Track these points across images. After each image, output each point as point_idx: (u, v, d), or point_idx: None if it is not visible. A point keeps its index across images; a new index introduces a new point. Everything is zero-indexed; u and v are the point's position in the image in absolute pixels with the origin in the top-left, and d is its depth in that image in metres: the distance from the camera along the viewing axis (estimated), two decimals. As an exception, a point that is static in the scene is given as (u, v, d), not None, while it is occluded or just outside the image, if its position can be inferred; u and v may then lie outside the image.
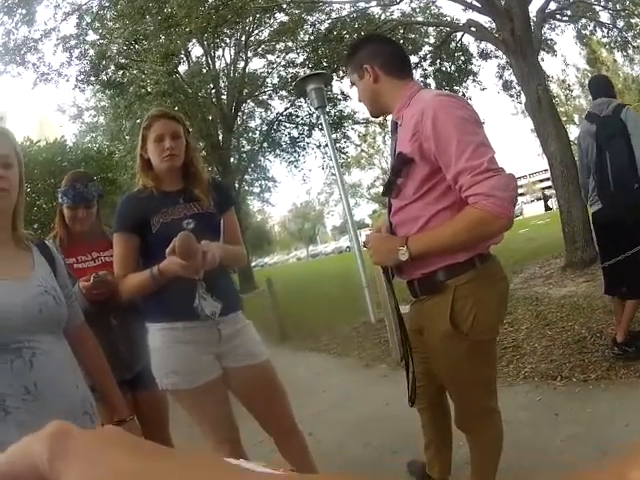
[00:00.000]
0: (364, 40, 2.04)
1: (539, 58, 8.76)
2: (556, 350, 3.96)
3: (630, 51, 14.29)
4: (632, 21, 13.06)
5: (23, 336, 1.27)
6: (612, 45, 14.77)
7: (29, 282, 1.37)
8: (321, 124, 10.92)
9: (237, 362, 2.02)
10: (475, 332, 1.72)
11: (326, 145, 16.87)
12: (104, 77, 14.30)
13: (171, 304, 1.91)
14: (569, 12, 13.17)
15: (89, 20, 13.35)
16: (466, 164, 1.54)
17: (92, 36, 13.88)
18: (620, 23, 13.40)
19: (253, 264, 39.93)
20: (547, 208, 33.97)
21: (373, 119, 16.96)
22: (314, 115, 17.47)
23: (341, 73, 12.56)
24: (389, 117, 1.97)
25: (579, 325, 4.37)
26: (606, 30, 14.02)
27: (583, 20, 13.93)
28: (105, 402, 1.70)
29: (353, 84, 1.99)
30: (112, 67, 14.15)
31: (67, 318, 1.46)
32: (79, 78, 14.05)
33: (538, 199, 43.60)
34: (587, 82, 4.15)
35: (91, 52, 13.72)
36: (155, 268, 1.83)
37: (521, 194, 66.99)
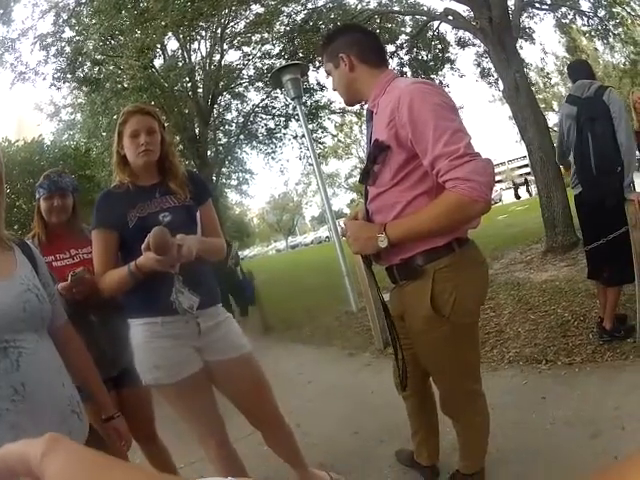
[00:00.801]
0: (339, 29, 2.04)
1: (517, 46, 8.80)
2: (540, 334, 3.99)
3: (611, 39, 14.34)
4: (614, 10, 13.13)
5: (9, 335, 1.26)
6: (592, 34, 14.80)
7: (12, 281, 1.35)
8: (297, 115, 10.88)
9: (217, 355, 2.02)
10: (456, 315, 1.73)
11: (303, 136, 16.81)
12: (80, 74, 14.13)
13: (150, 299, 1.91)
14: (548, 0, 13.23)
15: (66, 17, 13.16)
16: (443, 149, 1.55)
17: (69, 33, 13.72)
18: (601, 12, 13.46)
19: (233, 257, 39.71)
20: (517, 197, 33.74)
21: (349, 109, 17.01)
22: (290, 106, 17.36)
23: (317, 63, 12.51)
24: (365, 106, 1.96)
25: (562, 309, 4.40)
26: (586, 19, 14.06)
27: (563, 9, 13.97)
28: (91, 400, 1.68)
29: (329, 73, 1.98)
30: (88, 64, 13.97)
31: (51, 316, 1.45)
32: (55, 76, 13.89)
33: (509, 188, 43.70)
34: (566, 67, 4.12)
35: (67, 49, 13.56)
36: (132, 264, 1.83)
37: (499, 181, 67.62)
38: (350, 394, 3.84)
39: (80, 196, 2.68)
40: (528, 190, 32.96)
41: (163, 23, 10.87)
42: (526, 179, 35.99)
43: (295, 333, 6.88)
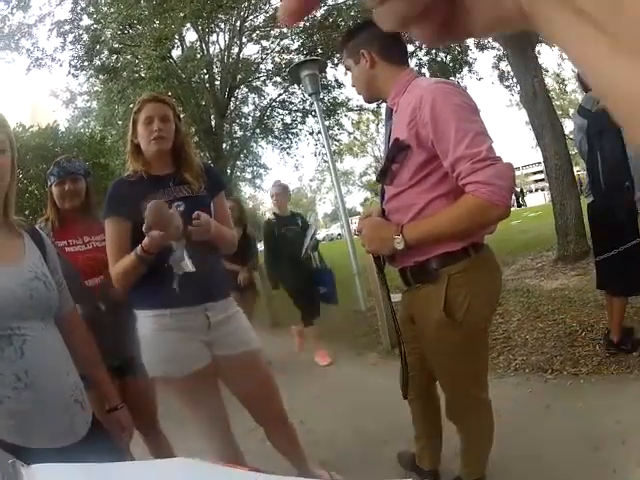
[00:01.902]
0: (361, 25, 1.99)
1: (536, 51, 8.70)
2: (547, 342, 3.96)
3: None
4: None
5: (14, 322, 1.26)
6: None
7: (20, 268, 1.35)
8: (314, 111, 10.83)
9: (227, 350, 2.00)
10: (469, 321, 1.71)
11: (319, 132, 16.74)
12: (98, 62, 14.18)
13: (158, 290, 1.89)
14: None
15: (84, 5, 13.20)
16: (465, 151, 1.53)
17: (86, 21, 13.76)
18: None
19: (245, 250, 39.81)
20: (519, 205, 32.70)
21: (367, 106, 16.94)
22: (307, 102, 17.33)
23: (336, 60, 12.48)
24: (383, 105, 1.94)
25: (570, 318, 4.36)
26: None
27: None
28: (95, 390, 1.68)
29: (348, 69, 1.95)
30: (106, 52, 14.01)
31: (58, 304, 1.44)
32: (72, 63, 13.95)
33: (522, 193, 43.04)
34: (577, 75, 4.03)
35: (85, 37, 13.60)
36: (139, 247, 1.81)
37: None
38: (355, 393, 3.82)
39: (94, 184, 2.69)
40: (518, 202, 32.05)
41: (182, 14, 10.87)
42: (521, 189, 35.36)
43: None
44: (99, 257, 2.32)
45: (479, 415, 1.97)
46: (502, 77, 14.49)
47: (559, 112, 14.22)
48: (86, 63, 13.96)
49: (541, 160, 8.14)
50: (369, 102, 2.05)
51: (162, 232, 1.71)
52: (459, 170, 1.55)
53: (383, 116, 1.98)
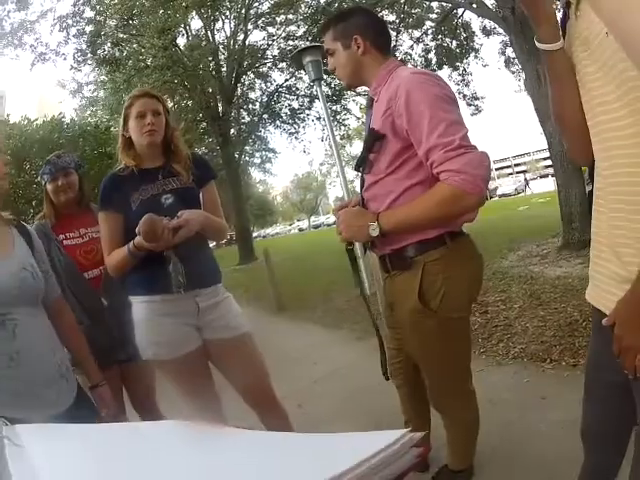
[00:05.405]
0: (352, 10, 1.95)
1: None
2: (547, 331, 3.93)
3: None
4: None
5: (6, 309, 1.41)
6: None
7: (10, 260, 1.51)
8: (321, 96, 10.78)
9: (216, 334, 2.05)
10: (444, 310, 1.70)
11: (326, 117, 16.73)
12: (100, 54, 14.23)
13: (151, 278, 1.96)
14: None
15: (85, -1, 13.25)
16: (438, 140, 1.52)
17: (89, 13, 13.82)
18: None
19: (255, 235, 39.96)
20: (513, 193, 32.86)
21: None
22: (314, 87, 17.32)
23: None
24: None
25: (572, 307, 4.33)
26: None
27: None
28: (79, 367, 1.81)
29: (330, 53, 1.89)
30: (108, 44, 14.06)
31: (44, 292, 1.60)
32: (76, 56, 14.03)
33: (533, 179, 42.80)
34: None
35: (87, 29, 13.67)
36: (131, 244, 1.89)
37: (524, 171, 66.67)
38: (354, 378, 3.82)
39: (101, 172, 2.75)
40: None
41: (184, 4, 10.83)
42: (525, 177, 35.04)
43: (308, 313, 6.91)
44: (96, 248, 2.40)
45: (462, 405, 1.97)
46: (508, 63, 14.32)
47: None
48: (89, 55, 14.03)
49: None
50: (349, 89, 2.04)
51: (153, 244, 1.81)
52: (432, 159, 1.55)
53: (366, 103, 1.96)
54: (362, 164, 1.80)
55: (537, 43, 1.14)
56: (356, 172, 1.90)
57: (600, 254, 1.19)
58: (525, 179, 37.74)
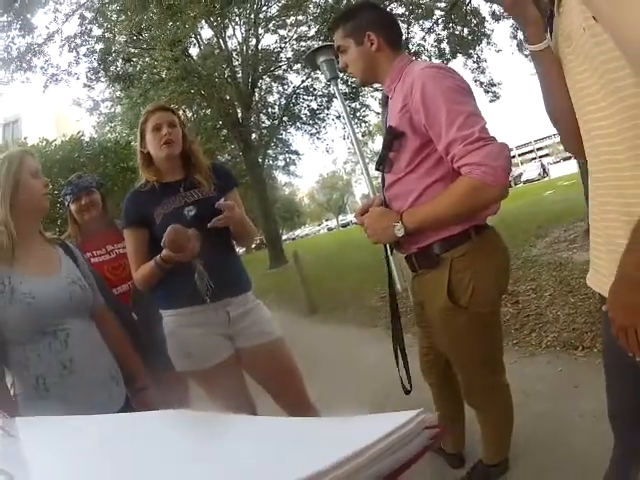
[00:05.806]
0: (362, 6, 1.90)
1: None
2: (578, 318, 3.85)
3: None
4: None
5: (58, 320, 1.55)
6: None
7: (59, 275, 1.65)
8: (339, 95, 10.74)
9: (248, 342, 2.07)
10: (474, 305, 1.69)
11: (345, 116, 16.69)
12: (113, 71, 14.37)
13: (179, 290, 1.97)
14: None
15: (90, 17, 13.36)
16: (457, 134, 1.51)
17: (97, 31, 13.94)
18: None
19: (284, 237, 39.97)
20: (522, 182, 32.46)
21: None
22: (331, 86, 17.28)
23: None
24: None
25: (602, 292, 4.23)
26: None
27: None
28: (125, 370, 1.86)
29: (343, 50, 1.86)
30: (120, 61, 14.19)
31: (92, 302, 1.74)
32: (88, 75, 14.19)
33: (556, 162, 42.21)
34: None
35: (97, 47, 13.81)
36: (158, 257, 1.91)
37: (546, 155, 65.49)
38: (387, 375, 3.79)
39: (124, 188, 2.81)
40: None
41: (192, 14, 10.88)
42: (542, 163, 34.38)
43: (340, 313, 6.85)
44: (124, 264, 2.44)
45: (495, 400, 1.95)
46: (521, 46, 14.08)
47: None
48: (102, 73, 14.16)
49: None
50: (363, 85, 2.02)
51: (179, 254, 1.83)
52: (453, 153, 1.53)
53: (381, 101, 1.94)
54: (382, 163, 1.79)
55: (525, 44, 1.17)
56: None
57: (597, 239, 1.18)
58: (542, 165, 37.17)
